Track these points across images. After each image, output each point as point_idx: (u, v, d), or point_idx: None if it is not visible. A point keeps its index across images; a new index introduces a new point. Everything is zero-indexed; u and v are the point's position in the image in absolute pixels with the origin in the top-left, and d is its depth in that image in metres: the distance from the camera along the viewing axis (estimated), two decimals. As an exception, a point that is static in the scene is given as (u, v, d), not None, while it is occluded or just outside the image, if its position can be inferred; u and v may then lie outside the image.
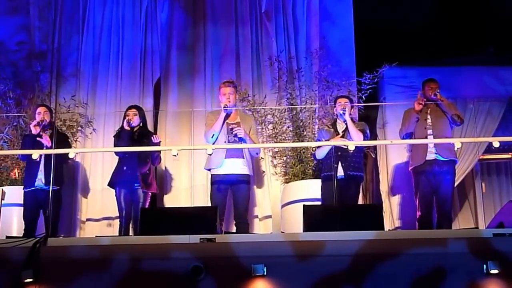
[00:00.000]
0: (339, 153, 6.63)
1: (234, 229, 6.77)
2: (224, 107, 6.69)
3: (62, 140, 6.95)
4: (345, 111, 6.67)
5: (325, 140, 6.77)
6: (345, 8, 8.56)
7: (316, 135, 7.24)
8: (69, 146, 7.11)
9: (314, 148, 6.65)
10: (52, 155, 6.48)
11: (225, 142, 6.70)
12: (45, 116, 6.88)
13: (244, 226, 6.63)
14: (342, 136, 6.72)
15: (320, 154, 6.79)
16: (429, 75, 7.32)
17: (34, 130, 6.77)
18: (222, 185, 6.65)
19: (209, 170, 6.78)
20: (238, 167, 6.65)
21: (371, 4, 8.64)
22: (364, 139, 6.69)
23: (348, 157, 6.59)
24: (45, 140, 6.76)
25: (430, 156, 6.73)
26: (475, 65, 8.48)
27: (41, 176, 6.73)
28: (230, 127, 6.74)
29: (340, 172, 6.62)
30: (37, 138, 6.74)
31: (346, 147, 6.54)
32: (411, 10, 8.89)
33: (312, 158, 7.20)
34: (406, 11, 8.86)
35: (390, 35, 8.59)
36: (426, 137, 6.80)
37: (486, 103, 8.31)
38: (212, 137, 6.70)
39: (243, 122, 6.80)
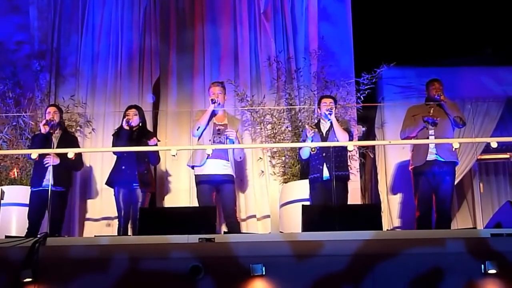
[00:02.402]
0: (324, 154, 6.64)
1: (224, 229, 6.80)
2: (211, 99, 6.76)
3: (72, 141, 6.98)
4: (331, 112, 6.68)
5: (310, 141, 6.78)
6: (344, 8, 8.58)
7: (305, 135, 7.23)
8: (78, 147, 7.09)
9: (314, 149, 6.66)
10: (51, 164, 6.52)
11: (209, 140, 6.75)
12: (54, 116, 6.91)
13: (234, 225, 6.66)
14: (326, 136, 6.74)
15: (304, 153, 6.81)
16: (427, 76, 7.34)
17: (43, 129, 6.78)
18: (207, 185, 6.70)
19: (192, 167, 6.82)
20: (221, 168, 6.70)
21: (370, 5, 8.65)
22: (349, 138, 6.69)
23: (333, 157, 6.58)
24: (49, 159, 6.69)
25: (431, 156, 6.73)
26: (473, 66, 8.50)
27: (49, 176, 6.74)
28: (217, 127, 6.79)
29: (326, 173, 6.63)
30: (45, 161, 6.68)
31: (330, 148, 6.55)
32: (409, 11, 8.90)
33: (299, 159, 7.20)
34: (404, 11, 8.87)
35: (389, 36, 8.60)
36: (427, 138, 6.79)
37: (484, 104, 8.34)
38: (197, 130, 6.76)
39: (230, 124, 6.87)
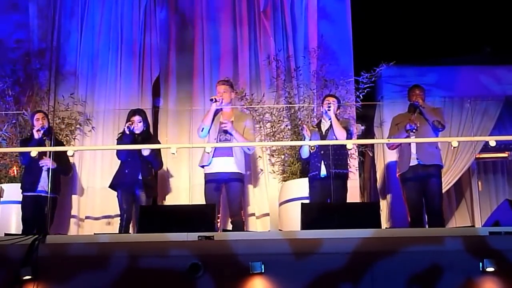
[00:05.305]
0: (322, 152, 6.66)
1: (230, 227, 6.81)
2: (210, 99, 6.79)
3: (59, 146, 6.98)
4: (329, 107, 6.70)
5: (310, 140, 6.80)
6: (343, 7, 8.58)
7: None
8: (65, 155, 6.98)
9: (313, 147, 6.68)
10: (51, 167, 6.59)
11: (215, 139, 6.75)
12: (43, 122, 6.93)
13: (239, 223, 6.67)
14: (325, 135, 6.76)
15: (304, 153, 6.84)
16: (426, 75, 7.37)
17: (37, 135, 6.81)
18: (214, 183, 6.71)
19: (202, 167, 6.84)
20: (228, 165, 6.70)
21: (369, 3, 8.66)
22: (347, 137, 6.71)
23: (331, 155, 6.61)
24: (47, 161, 6.77)
25: (413, 162, 6.78)
26: (472, 65, 8.52)
27: (43, 183, 6.78)
28: (222, 125, 6.79)
29: (323, 170, 6.65)
30: (40, 162, 6.78)
31: (328, 146, 6.57)
32: (408, 10, 8.91)
33: (300, 157, 7.22)
34: (403, 10, 8.88)
35: (388, 35, 8.61)
36: (409, 144, 6.82)
37: (482, 103, 8.34)
38: (202, 131, 6.78)
39: (237, 120, 6.86)
